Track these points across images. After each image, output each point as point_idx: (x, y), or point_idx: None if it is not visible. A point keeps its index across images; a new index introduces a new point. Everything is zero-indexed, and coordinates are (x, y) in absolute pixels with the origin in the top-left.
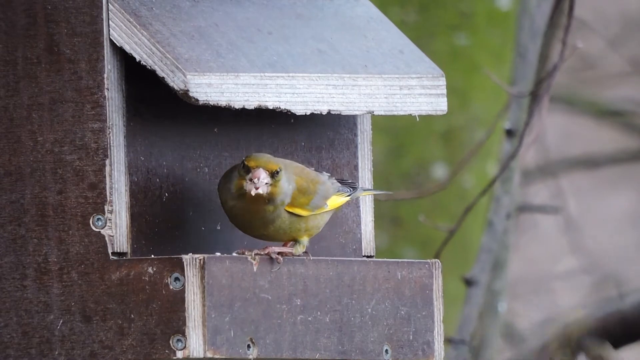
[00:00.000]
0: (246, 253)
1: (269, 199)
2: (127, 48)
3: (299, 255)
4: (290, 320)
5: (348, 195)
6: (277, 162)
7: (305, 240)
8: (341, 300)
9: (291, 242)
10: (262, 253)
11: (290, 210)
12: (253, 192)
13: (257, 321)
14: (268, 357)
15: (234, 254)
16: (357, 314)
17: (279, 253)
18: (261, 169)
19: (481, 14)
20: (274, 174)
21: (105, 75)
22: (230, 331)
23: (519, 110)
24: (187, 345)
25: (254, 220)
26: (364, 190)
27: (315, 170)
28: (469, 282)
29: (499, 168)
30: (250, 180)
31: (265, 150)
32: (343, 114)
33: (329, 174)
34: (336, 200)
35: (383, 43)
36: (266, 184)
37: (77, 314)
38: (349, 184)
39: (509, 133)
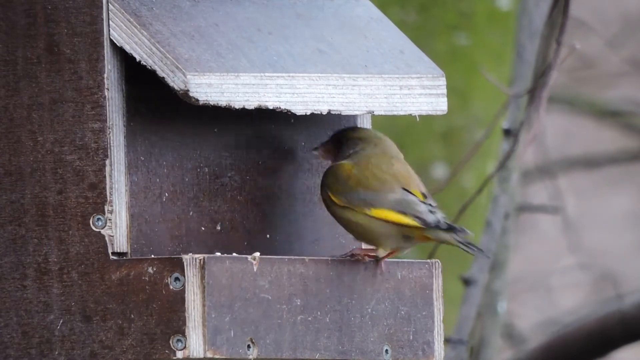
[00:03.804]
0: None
1: (330, 155)
2: (127, 48)
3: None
4: (291, 320)
5: (419, 224)
6: (363, 134)
7: (380, 247)
8: (341, 300)
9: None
10: (345, 256)
11: (328, 191)
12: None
13: (257, 321)
14: (268, 357)
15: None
16: (357, 314)
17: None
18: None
19: (481, 14)
20: (343, 142)
21: (105, 75)
22: (230, 331)
23: (517, 110)
24: (187, 345)
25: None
26: (465, 244)
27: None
28: (467, 282)
29: (496, 168)
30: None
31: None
32: (343, 114)
33: (427, 202)
34: (383, 213)
35: (383, 43)
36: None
37: (77, 314)
38: (451, 226)
39: (507, 133)
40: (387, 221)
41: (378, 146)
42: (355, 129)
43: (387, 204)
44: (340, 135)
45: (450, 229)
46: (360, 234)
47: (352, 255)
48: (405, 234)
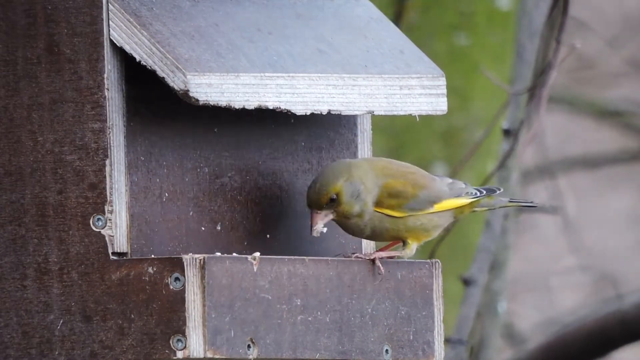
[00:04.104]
0: (353, 256)
1: (345, 216)
2: (127, 48)
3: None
4: (291, 320)
5: (474, 198)
6: (333, 184)
7: (412, 243)
8: (341, 300)
9: (400, 244)
10: (365, 258)
11: (379, 210)
12: (314, 234)
13: (257, 321)
14: (268, 357)
15: (352, 257)
16: (357, 314)
17: (382, 258)
18: (314, 212)
19: (481, 14)
20: (330, 202)
21: (105, 75)
22: (231, 331)
23: (517, 110)
24: (187, 345)
25: (350, 228)
26: (510, 201)
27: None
28: (466, 282)
29: (496, 167)
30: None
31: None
32: (343, 114)
33: (452, 180)
34: (449, 204)
35: (383, 43)
36: (322, 221)
37: (77, 314)
38: (487, 189)
39: (507, 133)
40: (449, 210)
41: (363, 164)
42: (325, 182)
43: (445, 194)
44: (323, 200)
45: (492, 191)
46: (415, 233)
47: (373, 260)
48: (457, 215)
